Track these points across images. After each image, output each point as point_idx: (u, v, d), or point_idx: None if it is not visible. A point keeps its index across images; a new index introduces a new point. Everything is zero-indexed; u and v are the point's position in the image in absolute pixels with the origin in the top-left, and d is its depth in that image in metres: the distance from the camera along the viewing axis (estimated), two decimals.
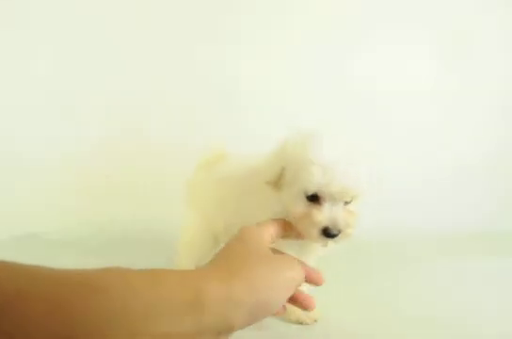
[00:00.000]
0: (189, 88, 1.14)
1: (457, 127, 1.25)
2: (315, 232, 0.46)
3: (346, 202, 0.48)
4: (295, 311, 0.60)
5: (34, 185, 1.07)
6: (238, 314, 0.30)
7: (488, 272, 0.82)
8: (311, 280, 0.41)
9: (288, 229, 0.45)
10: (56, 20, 1.10)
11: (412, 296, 0.69)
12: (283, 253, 0.43)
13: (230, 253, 0.36)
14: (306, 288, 0.58)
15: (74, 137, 1.11)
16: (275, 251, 0.42)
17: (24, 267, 0.27)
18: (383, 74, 1.21)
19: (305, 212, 0.47)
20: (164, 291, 0.28)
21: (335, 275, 0.65)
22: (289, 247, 0.50)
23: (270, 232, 0.42)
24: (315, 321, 0.60)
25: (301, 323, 0.60)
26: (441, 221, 1.14)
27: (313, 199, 0.47)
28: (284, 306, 0.41)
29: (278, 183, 0.50)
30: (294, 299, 0.40)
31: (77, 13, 1.11)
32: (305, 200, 0.47)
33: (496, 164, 1.25)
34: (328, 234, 0.46)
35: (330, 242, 0.48)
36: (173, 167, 1.09)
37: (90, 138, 1.11)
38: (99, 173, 1.08)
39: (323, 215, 0.46)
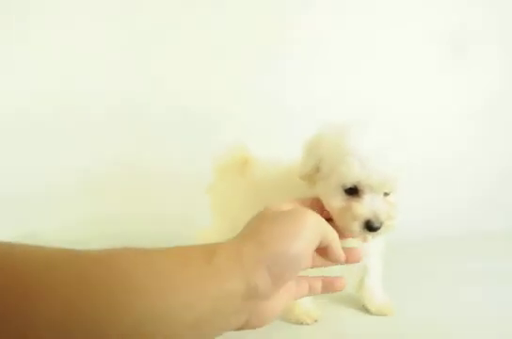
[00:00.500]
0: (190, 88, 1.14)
1: (458, 127, 1.25)
2: (357, 225, 0.44)
3: (386, 194, 0.47)
4: (294, 311, 0.60)
5: (34, 185, 1.07)
6: (256, 271, 0.28)
7: (488, 272, 0.81)
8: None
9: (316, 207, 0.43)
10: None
11: (413, 296, 0.69)
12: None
13: (244, 228, 0.34)
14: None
15: (74, 136, 1.11)
16: None
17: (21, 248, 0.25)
18: (387, 77, 1.21)
19: (344, 206, 0.45)
20: (179, 260, 0.27)
21: (336, 275, 0.64)
22: None
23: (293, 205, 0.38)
24: (315, 321, 0.60)
25: (301, 323, 0.60)
26: (441, 221, 1.13)
27: (352, 192, 0.46)
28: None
29: (313, 177, 0.49)
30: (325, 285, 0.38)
31: (74, 13, 1.10)
32: (343, 193, 0.46)
33: (498, 164, 1.24)
34: (370, 227, 0.44)
35: (370, 237, 0.47)
36: (174, 167, 1.09)
37: (91, 137, 1.11)
38: (99, 173, 1.08)
39: (364, 207, 0.45)
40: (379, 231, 0.45)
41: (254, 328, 0.31)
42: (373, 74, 1.20)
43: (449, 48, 1.21)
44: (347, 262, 0.38)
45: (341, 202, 0.46)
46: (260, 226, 0.32)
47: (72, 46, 1.08)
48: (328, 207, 0.46)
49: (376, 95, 1.19)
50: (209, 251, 0.28)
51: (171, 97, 1.13)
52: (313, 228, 0.32)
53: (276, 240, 0.29)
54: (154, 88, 1.13)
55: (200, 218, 0.81)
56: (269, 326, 0.55)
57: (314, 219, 0.33)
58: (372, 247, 0.59)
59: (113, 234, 0.95)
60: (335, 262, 0.37)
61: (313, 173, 0.49)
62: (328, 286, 0.38)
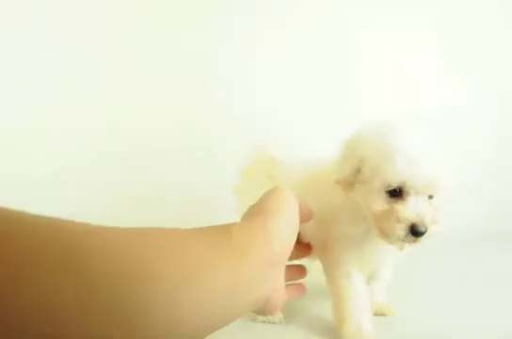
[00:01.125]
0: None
1: (458, 130, 1.25)
2: (402, 229, 0.42)
3: (430, 197, 0.45)
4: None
5: (34, 185, 1.05)
6: (270, 240, 0.31)
7: (488, 272, 0.82)
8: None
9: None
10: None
11: (412, 296, 0.69)
12: None
13: (245, 213, 0.37)
14: None
15: (75, 137, 1.10)
16: None
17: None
18: (387, 77, 1.22)
19: (387, 209, 0.43)
20: (202, 243, 0.29)
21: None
22: (350, 254, 0.50)
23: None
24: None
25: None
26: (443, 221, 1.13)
27: (395, 194, 0.44)
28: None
29: (351, 181, 0.47)
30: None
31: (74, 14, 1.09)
32: (385, 196, 0.44)
33: (497, 164, 1.25)
34: (415, 231, 0.42)
35: (407, 244, 0.44)
36: (173, 170, 1.08)
37: (91, 138, 1.10)
38: (99, 174, 1.06)
39: (409, 210, 0.43)
40: (424, 236, 0.43)
41: (270, 312, 0.34)
42: (374, 75, 1.21)
43: (449, 49, 1.23)
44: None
45: (383, 205, 0.44)
46: (258, 206, 0.35)
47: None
48: (368, 211, 0.45)
49: (376, 95, 1.20)
50: (225, 231, 0.31)
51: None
52: (292, 199, 0.36)
53: (274, 212, 0.33)
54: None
55: (198, 219, 0.81)
56: (265, 325, 0.55)
57: (289, 193, 0.36)
58: (392, 257, 0.56)
59: None
60: (308, 220, 0.38)
61: (352, 176, 0.46)
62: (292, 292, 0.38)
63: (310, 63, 1.18)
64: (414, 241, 0.43)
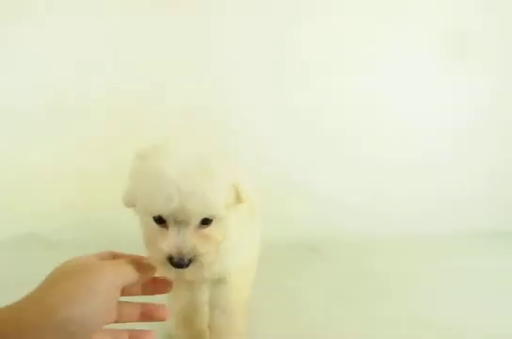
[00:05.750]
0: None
1: (458, 130, 1.25)
2: (161, 259, 0.41)
3: (205, 224, 0.42)
4: None
5: (34, 185, 1.06)
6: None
7: (488, 272, 0.81)
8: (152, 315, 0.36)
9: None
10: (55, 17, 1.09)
11: (413, 296, 0.69)
12: None
13: (39, 286, 0.32)
14: None
15: (74, 136, 1.11)
16: None
17: None
18: (384, 74, 1.21)
19: (152, 237, 0.42)
20: None
21: (339, 275, 0.65)
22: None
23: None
24: None
25: None
26: (442, 221, 1.13)
27: (161, 221, 0.41)
28: None
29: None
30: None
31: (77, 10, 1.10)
32: (154, 222, 0.42)
33: (498, 166, 1.24)
34: (172, 263, 0.40)
35: (183, 271, 0.42)
36: None
37: (90, 137, 1.11)
38: (98, 173, 1.07)
39: (167, 241, 0.41)
40: (188, 267, 0.41)
41: None
42: (372, 75, 1.20)
43: (449, 49, 1.21)
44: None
45: (151, 233, 0.43)
46: (52, 285, 0.30)
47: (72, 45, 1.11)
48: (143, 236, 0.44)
49: (375, 95, 1.19)
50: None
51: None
52: (108, 285, 0.31)
53: (63, 304, 0.28)
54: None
55: None
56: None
57: (109, 277, 0.32)
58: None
59: (111, 235, 0.95)
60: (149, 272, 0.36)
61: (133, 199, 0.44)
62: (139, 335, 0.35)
63: (302, 58, 1.18)
64: (181, 271, 0.41)
